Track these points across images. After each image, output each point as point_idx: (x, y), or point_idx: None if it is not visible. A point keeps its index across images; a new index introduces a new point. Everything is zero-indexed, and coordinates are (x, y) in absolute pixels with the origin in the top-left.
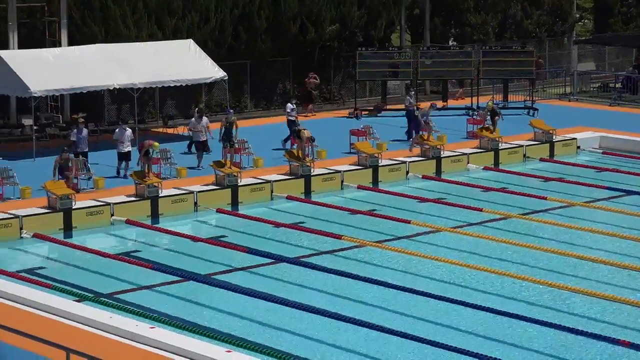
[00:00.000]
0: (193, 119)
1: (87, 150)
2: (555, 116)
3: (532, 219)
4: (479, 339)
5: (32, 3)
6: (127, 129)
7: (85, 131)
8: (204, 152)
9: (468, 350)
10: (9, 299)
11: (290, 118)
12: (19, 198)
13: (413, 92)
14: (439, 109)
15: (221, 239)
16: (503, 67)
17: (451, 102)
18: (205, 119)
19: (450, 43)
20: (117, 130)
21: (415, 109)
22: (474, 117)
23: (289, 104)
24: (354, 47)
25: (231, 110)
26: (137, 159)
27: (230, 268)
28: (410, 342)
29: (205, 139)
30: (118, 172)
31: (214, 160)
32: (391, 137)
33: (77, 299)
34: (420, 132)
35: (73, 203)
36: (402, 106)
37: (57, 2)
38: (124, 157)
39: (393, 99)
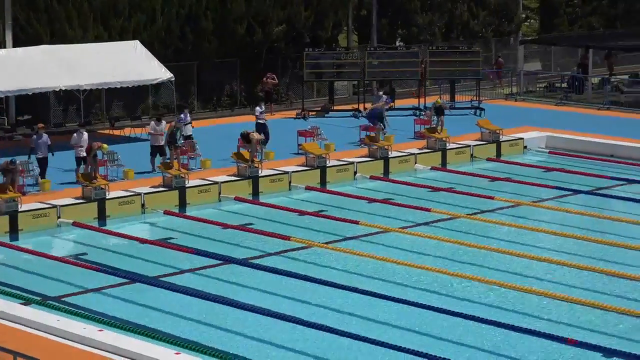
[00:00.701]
0: (152, 122)
1: (47, 156)
2: (501, 116)
3: (479, 218)
4: (425, 338)
5: None
6: (85, 132)
7: (45, 136)
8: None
9: (415, 350)
10: None
11: (259, 121)
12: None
13: (382, 93)
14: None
15: (169, 240)
16: (450, 67)
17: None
18: (164, 122)
19: (397, 43)
20: (75, 134)
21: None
22: (421, 117)
23: (257, 107)
24: (301, 47)
25: (184, 115)
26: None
27: (177, 270)
28: (356, 343)
29: (162, 143)
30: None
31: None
32: (338, 138)
33: (23, 302)
34: (369, 133)
35: (19, 206)
36: (349, 107)
37: (2, 2)
38: (83, 161)
39: (340, 100)
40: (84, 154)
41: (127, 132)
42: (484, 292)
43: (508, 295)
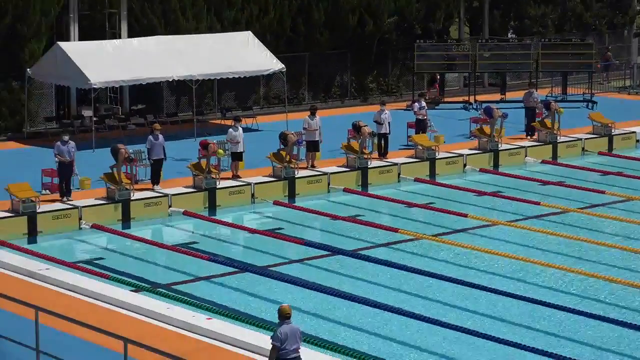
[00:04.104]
0: (231, 129)
1: (162, 158)
2: (614, 109)
3: (590, 212)
4: (535, 333)
5: None
6: (240, 127)
7: (161, 138)
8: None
9: (524, 345)
10: (68, 289)
11: (418, 117)
12: (78, 189)
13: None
14: (497, 102)
15: (277, 230)
16: (562, 60)
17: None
18: (317, 117)
19: (509, 36)
20: (230, 129)
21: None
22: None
23: (416, 103)
24: (412, 39)
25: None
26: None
27: (286, 260)
28: (463, 335)
29: (243, 150)
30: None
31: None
32: (448, 130)
33: (134, 289)
34: (479, 125)
35: (132, 194)
36: (460, 99)
37: None
38: (238, 157)
39: (451, 92)
40: (241, 150)
41: (246, 122)
42: (596, 287)
43: (620, 292)
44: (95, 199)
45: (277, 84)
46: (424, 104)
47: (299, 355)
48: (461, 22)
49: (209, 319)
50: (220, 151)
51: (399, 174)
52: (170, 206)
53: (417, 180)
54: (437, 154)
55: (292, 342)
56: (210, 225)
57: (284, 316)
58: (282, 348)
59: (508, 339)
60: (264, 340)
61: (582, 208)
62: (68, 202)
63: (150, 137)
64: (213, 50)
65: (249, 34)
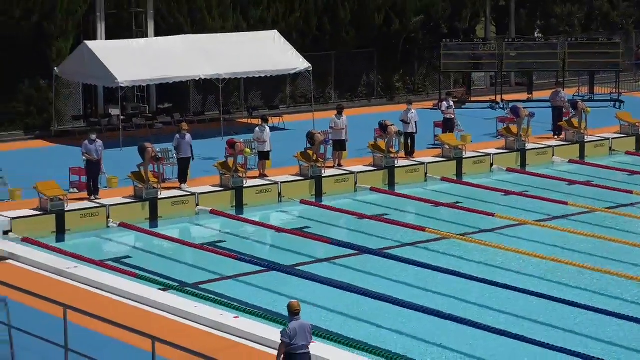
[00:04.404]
0: (258, 128)
1: (189, 156)
2: None
3: (618, 212)
4: (561, 333)
5: None
6: (267, 127)
7: (188, 137)
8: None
9: (551, 345)
10: (96, 287)
11: (446, 116)
12: (106, 187)
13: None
14: (524, 101)
15: (304, 229)
16: (589, 59)
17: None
18: (344, 116)
19: (536, 35)
20: (257, 128)
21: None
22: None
23: (444, 102)
24: (438, 38)
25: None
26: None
27: (313, 259)
28: (490, 335)
29: (270, 149)
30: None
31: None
32: (475, 129)
33: (161, 288)
34: (506, 124)
35: (159, 193)
36: (487, 98)
37: None
38: (265, 156)
39: (477, 91)
40: (268, 149)
41: (273, 121)
42: (623, 287)
43: None
44: (123, 197)
45: (304, 83)
46: (452, 103)
47: (308, 351)
48: (487, 21)
49: (236, 317)
50: (247, 150)
51: (426, 173)
52: (197, 205)
53: (444, 179)
54: (464, 153)
55: (301, 338)
56: (237, 224)
57: (293, 312)
58: (292, 344)
59: (535, 338)
60: None
61: (609, 208)
62: (96, 200)
63: (178, 135)
64: (239, 49)
65: (275, 33)
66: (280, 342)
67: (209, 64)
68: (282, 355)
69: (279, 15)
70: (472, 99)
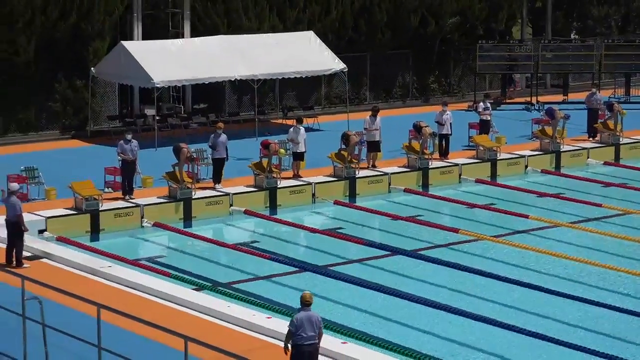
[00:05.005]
0: (292, 129)
1: (224, 157)
2: None
3: None
4: (596, 335)
5: None
6: (301, 128)
7: (224, 136)
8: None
9: (584, 347)
10: (129, 287)
11: (483, 117)
12: (140, 187)
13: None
14: (559, 103)
15: (338, 230)
16: (625, 61)
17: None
18: (378, 119)
19: (572, 36)
20: (291, 129)
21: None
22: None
23: (481, 103)
24: (474, 40)
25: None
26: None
27: (346, 260)
28: (524, 338)
29: (304, 150)
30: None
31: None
32: (510, 131)
33: (195, 287)
34: (541, 126)
35: (193, 193)
36: (522, 100)
37: None
38: (299, 157)
39: (513, 93)
40: (302, 150)
41: (307, 122)
42: None
43: None
44: (157, 197)
45: (339, 83)
46: (488, 104)
47: (316, 343)
48: (524, 23)
49: (269, 317)
50: (282, 151)
51: (460, 175)
52: (231, 205)
53: (478, 181)
54: (498, 155)
55: (307, 329)
56: (271, 224)
57: (304, 303)
58: (297, 334)
59: (567, 340)
60: (324, 339)
61: None
62: (130, 200)
63: (213, 135)
64: (275, 49)
65: (311, 34)
66: (287, 330)
67: (245, 65)
68: (289, 344)
69: (315, 16)
70: (508, 100)
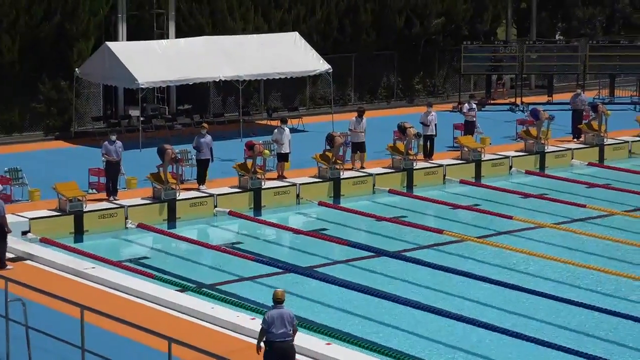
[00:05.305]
0: (276, 130)
1: (208, 157)
2: None
3: (636, 216)
4: (579, 336)
5: None
6: (286, 128)
7: (208, 137)
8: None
9: (567, 348)
10: (113, 288)
11: (468, 119)
12: (125, 188)
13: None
14: (544, 104)
15: (322, 231)
16: (610, 62)
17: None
18: (364, 120)
19: (557, 37)
20: (276, 130)
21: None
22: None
23: (466, 104)
24: (459, 40)
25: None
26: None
27: (330, 261)
28: (507, 338)
29: (289, 151)
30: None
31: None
32: (494, 131)
33: (179, 289)
34: (526, 127)
35: (177, 194)
36: (507, 101)
37: None
38: (284, 157)
39: (497, 94)
40: (287, 151)
41: (292, 123)
42: None
43: None
44: (142, 198)
45: (324, 84)
46: (473, 105)
47: (289, 340)
48: (508, 24)
49: (253, 319)
50: (266, 152)
51: (445, 176)
52: (215, 206)
53: (462, 182)
54: (483, 155)
55: (279, 326)
56: (255, 225)
57: (276, 300)
58: (269, 331)
59: (551, 341)
60: (308, 340)
61: (628, 211)
62: (114, 201)
63: (197, 136)
64: (260, 50)
65: (295, 35)
66: (259, 327)
67: (229, 66)
68: (262, 342)
69: (300, 17)
70: (492, 101)
